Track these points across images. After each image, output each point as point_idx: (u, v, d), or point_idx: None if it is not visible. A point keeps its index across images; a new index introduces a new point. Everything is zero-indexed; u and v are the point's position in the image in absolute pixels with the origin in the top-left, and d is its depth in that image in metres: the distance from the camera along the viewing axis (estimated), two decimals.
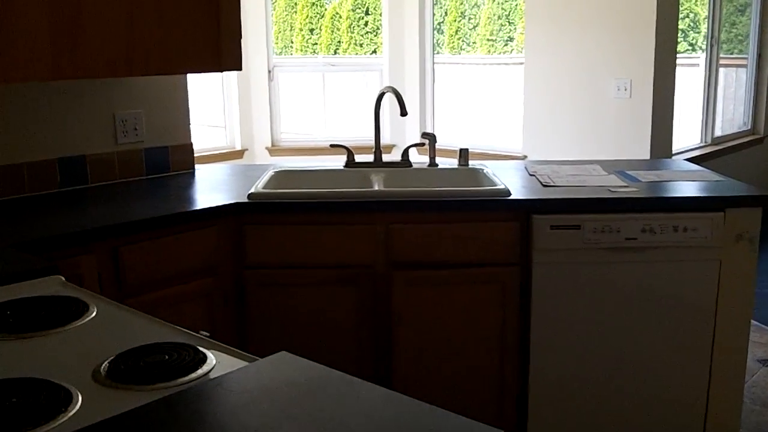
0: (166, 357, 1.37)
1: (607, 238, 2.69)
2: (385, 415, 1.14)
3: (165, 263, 2.49)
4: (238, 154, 6.19)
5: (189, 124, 3.26)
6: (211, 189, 2.96)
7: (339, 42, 16.51)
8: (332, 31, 16.71)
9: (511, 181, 2.97)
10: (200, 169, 3.31)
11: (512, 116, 5.86)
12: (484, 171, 3.11)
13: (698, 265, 2.74)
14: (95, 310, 1.63)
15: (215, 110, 6.42)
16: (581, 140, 5.41)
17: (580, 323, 2.77)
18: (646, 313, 2.77)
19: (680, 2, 5.40)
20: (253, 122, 6.28)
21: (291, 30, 17.04)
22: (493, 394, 2.82)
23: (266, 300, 2.72)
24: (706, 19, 6.37)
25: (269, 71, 6.22)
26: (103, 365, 1.34)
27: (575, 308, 2.76)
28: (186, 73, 3.14)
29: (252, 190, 2.74)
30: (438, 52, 16.15)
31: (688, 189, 2.90)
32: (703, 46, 6.49)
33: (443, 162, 3.28)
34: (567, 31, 5.35)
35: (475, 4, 14.98)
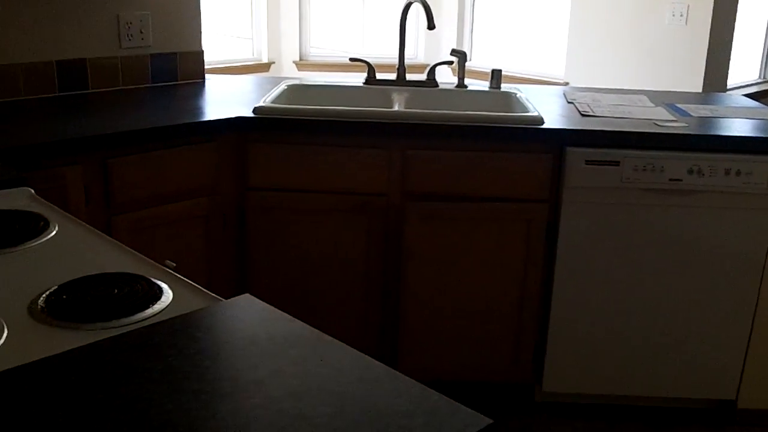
0: (116, 291, 1.16)
1: (649, 178, 2.41)
2: (340, 388, 0.91)
3: (158, 179, 2.27)
4: (264, 67, 5.92)
5: (200, 29, 3.00)
6: (218, 101, 2.71)
7: None
8: None
9: (546, 108, 2.69)
10: (211, 80, 3.06)
11: (556, 40, 5.49)
12: (517, 95, 2.83)
13: (749, 214, 2.46)
14: (55, 229, 1.42)
15: (242, 20, 6.13)
16: (629, 69, 5.05)
17: (609, 270, 2.51)
18: (686, 264, 2.51)
19: None
20: (282, 34, 5.98)
21: None
22: (508, 340, 2.60)
23: (268, 225, 2.50)
24: None
25: None
26: (42, 297, 1.13)
27: (606, 253, 2.50)
28: None
29: (257, 104, 2.49)
30: None
31: (743, 128, 2.59)
32: None
33: (475, 84, 2.99)
34: None
35: None
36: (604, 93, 3.03)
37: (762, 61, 5.97)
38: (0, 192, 1.59)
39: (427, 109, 2.73)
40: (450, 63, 2.93)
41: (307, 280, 2.56)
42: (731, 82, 5.37)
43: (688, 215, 2.47)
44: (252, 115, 2.43)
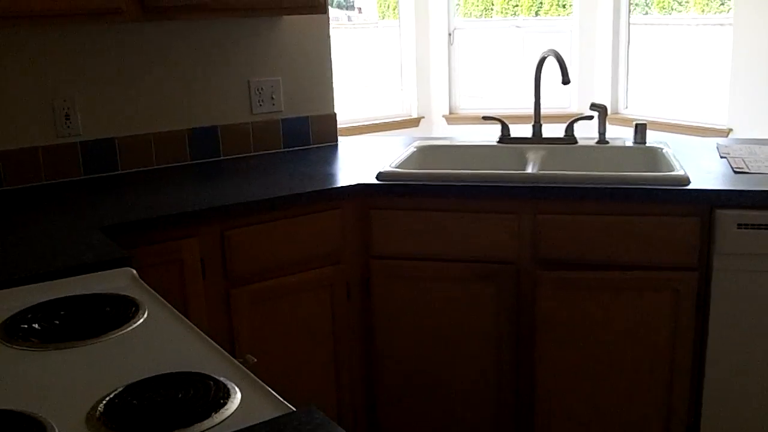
0: (181, 394, 1.10)
1: None
2: None
3: (279, 249, 2.24)
4: (414, 122, 5.92)
5: (332, 92, 3.00)
6: (348, 166, 2.68)
7: (541, 3, 15.82)
8: None
9: (695, 164, 2.47)
10: (344, 142, 3.04)
11: (718, 84, 5.16)
12: (663, 151, 2.62)
13: None
14: (143, 317, 1.40)
15: (392, 76, 6.17)
16: None
17: None
18: None
19: None
20: (431, 89, 5.97)
21: None
22: (658, 423, 2.36)
23: (393, 294, 2.42)
24: None
25: (449, 34, 5.88)
26: (104, 402, 1.09)
27: (764, 326, 2.23)
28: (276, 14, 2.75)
29: (382, 169, 2.42)
30: (646, 13, 15.12)
31: None
32: None
33: (619, 139, 2.81)
34: None
35: None
36: (763, 145, 2.76)
37: None
38: (102, 273, 1.59)
39: (561, 170, 2.59)
40: (590, 118, 2.76)
41: (435, 351, 2.44)
42: None
43: None
44: (375, 181, 2.36)
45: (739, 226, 2.17)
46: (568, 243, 2.29)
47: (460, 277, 2.37)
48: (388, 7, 6.99)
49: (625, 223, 2.25)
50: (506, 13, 16.42)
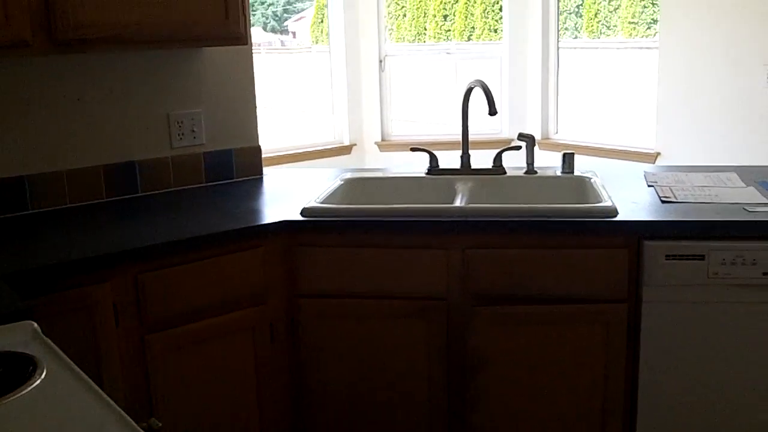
0: None
1: (739, 272, 2.14)
2: None
3: (198, 292, 2.15)
4: (346, 150, 5.87)
5: (256, 124, 2.92)
6: (272, 200, 2.60)
7: (473, 28, 16.00)
8: (466, 17, 16.22)
9: (623, 194, 2.45)
10: (270, 175, 2.95)
11: (647, 108, 5.23)
12: (591, 181, 2.60)
13: None
14: (40, 378, 1.29)
15: (324, 103, 6.12)
16: (724, 137, 4.74)
17: (699, 376, 2.23)
18: None
19: None
20: (363, 116, 5.93)
21: (425, 17, 16.67)
22: None
23: (322, 334, 2.34)
24: None
25: (380, 60, 5.85)
26: None
27: (694, 358, 2.22)
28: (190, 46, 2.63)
29: (307, 204, 2.35)
30: (576, 37, 15.43)
31: None
32: None
33: (547, 169, 2.78)
34: (709, 10, 4.68)
35: None
36: (689, 172, 2.77)
37: None
38: (3, 327, 1.48)
39: (490, 201, 2.56)
40: (517, 148, 2.73)
41: (367, 391, 2.37)
42: None
43: None
44: (300, 217, 2.29)
45: (668, 257, 2.15)
46: (499, 277, 2.24)
47: (390, 314, 2.30)
48: (322, 32, 6.89)
49: (555, 255, 2.21)
50: (439, 38, 16.58)
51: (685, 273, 2.15)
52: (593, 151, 5.46)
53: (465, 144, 2.75)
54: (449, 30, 16.09)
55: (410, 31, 16.55)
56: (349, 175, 2.77)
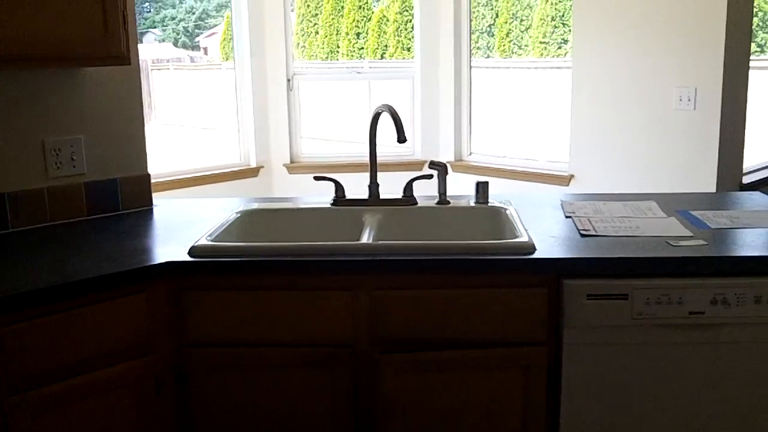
0: None
1: (665, 312, 2.00)
2: None
3: (71, 345, 1.88)
4: (253, 172, 5.62)
5: (145, 150, 2.66)
6: (160, 236, 2.35)
7: (386, 46, 15.96)
8: (379, 35, 16.15)
9: (540, 226, 2.30)
10: (161, 206, 2.70)
11: (561, 130, 5.15)
12: (507, 212, 2.44)
13: None
14: None
15: (229, 124, 5.86)
16: (636, 158, 4.69)
17: (624, 421, 2.08)
18: (718, 411, 2.07)
19: None
20: (270, 137, 5.70)
21: (337, 34, 16.54)
22: None
23: (214, 386, 2.10)
24: None
25: (288, 79, 5.63)
26: None
27: (619, 402, 2.07)
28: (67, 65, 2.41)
29: (196, 242, 2.12)
30: (488, 56, 15.47)
31: None
32: None
33: (460, 198, 2.62)
34: (621, 32, 4.64)
35: (528, 5, 14.26)
36: (608, 201, 2.64)
37: None
38: None
39: (401, 235, 2.38)
40: (429, 177, 2.56)
41: None
42: (747, 164, 5.01)
43: (713, 353, 2.04)
44: (188, 257, 2.05)
45: (589, 296, 2.00)
46: (410, 321, 2.05)
47: (290, 363, 2.08)
48: (232, 49, 6.69)
49: (469, 296, 2.04)
50: (352, 55, 16.43)
51: (607, 313, 2.00)
52: (507, 173, 5.36)
53: (373, 172, 2.56)
54: (362, 48, 16.02)
55: (323, 48, 16.41)
56: (246, 207, 2.54)
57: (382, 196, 2.55)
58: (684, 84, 4.46)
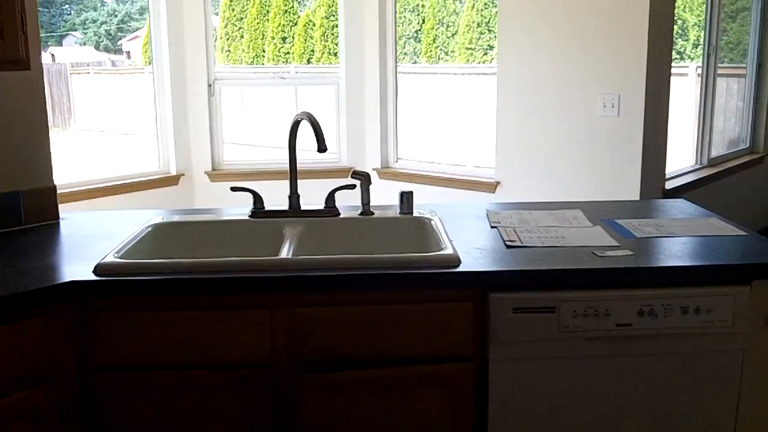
0: None
1: (592, 324, 1.96)
2: None
3: None
4: (173, 180, 5.46)
5: (50, 160, 2.51)
6: (66, 253, 2.21)
7: (312, 51, 15.83)
8: (305, 40, 16.02)
9: (465, 237, 2.24)
10: (69, 219, 2.55)
11: (487, 137, 5.13)
12: (432, 223, 2.38)
13: (714, 357, 2.02)
14: None
15: (150, 131, 5.68)
16: (562, 165, 4.70)
17: None
18: (647, 423, 2.04)
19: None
20: (191, 143, 5.54)
21: (263, 38, 16.34)
22: None
23: (125, 412, 1.97)
24: (696, 26, 5.68)
25: (209, 84, 5.48)
26: None
27: (547, 418, 2.02)
28: None
29: (102, 260, 1.98)
30: (415, 61, 15.50)
31: (697, 251, 2.17)
32: (692, 55, 5.80)
33: (384, 209, 2.54)
34: (545, 38, 4.64)
35: (454, 11, 14.33)
36: (534, 210, 2.60)
37: (696, 147, 5.69)
38: None
39: (322, 248, 2.29)
40: (351, 187, 2.47)
41: None
42: (669, 169, 5.07)
43: (642, 365, 2.01)
44: (92, 276, 1.92)
45: (516, 310, 1.94)
46: (331, 339, 1.96)
47: (206, 387, 1.97)
48: (152, 53, 6.48)
49: (392, 312, 1.96)
50: (278, 60, 16.24)
51: (534, 327, 1.95)
52: (434, 180, 5.32)
53: (293, 182, 2.47)
54: (288, 52, 15.84)
55: (248, 53, 16.17)
56: (158, 221, 2.41)
57: (303, 207, 2.46)
58: (608, 90, 4.48)
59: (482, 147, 5.37)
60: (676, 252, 2.14)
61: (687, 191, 5.05)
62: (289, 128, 2.42)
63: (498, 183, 4.99)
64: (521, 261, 2.04)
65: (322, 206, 2.46)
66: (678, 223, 2.43)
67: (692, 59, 8.39)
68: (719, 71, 5.83)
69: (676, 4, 4.87)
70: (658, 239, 2.24)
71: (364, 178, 2.46)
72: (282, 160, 5.59)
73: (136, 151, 5.87)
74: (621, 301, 1.95)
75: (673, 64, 4.78)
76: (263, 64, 16.29)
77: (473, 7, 13.63)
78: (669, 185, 4.90)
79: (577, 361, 1.99)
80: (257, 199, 2.45)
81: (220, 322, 1.94)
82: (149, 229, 2.32)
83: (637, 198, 4.45)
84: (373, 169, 5.59)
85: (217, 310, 1.94)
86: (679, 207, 2.71)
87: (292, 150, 2.44)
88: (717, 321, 1.98)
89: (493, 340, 1.96)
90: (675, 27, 8.79)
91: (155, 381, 1.96)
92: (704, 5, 5.62)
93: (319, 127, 2.29)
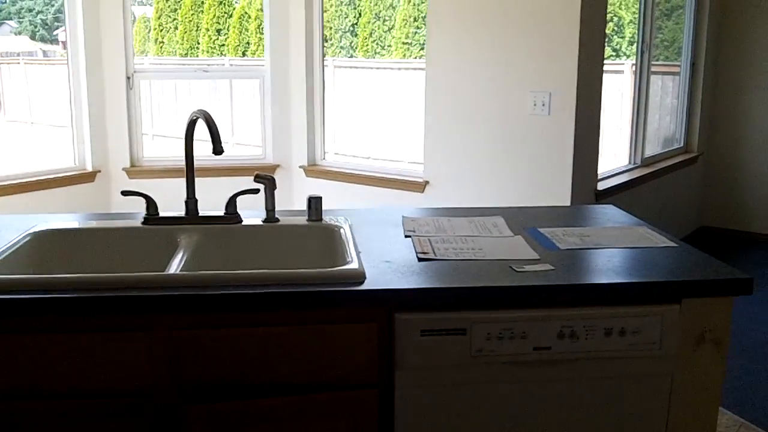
0: None
1: (508, 348, 1.79)
2: None
3: None
4: (89, 177, 5.17)
5: None
6: None
7: (248, 44, 15.50)
8: (240, 32, 15.70)
9: (376, 248, 2.06)
10: None
11: (421, 134, 4.96)
12: (341, 232, 2.18)
13: (641, 382, 1.87)
14: None
15: (63, 124, 5.38)
16: (493, 164, 4.56)
17: None
18: None
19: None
20: (108, 138, 5.25)
21: (197, 30, 15.96)
22: None
23: None
24: (632, 23, 5.61)
25: (128, 78, 5.20)
26: None
27: None
28: None
29: None
30: (351, 56, 15.28)
31: (623, 265, 2.01)
32: (628, 52, 5.73)
33: (291, 216, 2.34)
34: (476, 34, 4.49)
35: (391, 5, 14.17)
36: (453, 217, 2.43)
37: (630, 146, 5.61)
38: None
39: (215, 266, 2.08)
40: (255, 191, 2.26)
41: None
42: (603, 169, 4.98)
43: (563, 391, 1.85)
44: None
45: (423, 332, 1.76)
46: (219, 364, 1.75)
47: (85, 417, 1.74)
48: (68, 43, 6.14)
49: (288, 334, 1.76)
50: (212, 53, 15.85)
51: (444, 351, 1.77)
52: (362, 179, 5.13)
53: (190, 186, 2.25)
54: (223, 45, 15.49)
55: (182, 44, 15.77)
56: (40, 227, 2.17)
57: (201, 214, 2.25)
58: (539, 88, 4.36)
59: (415, 145, 5.20)
60: (600, 267, 1.98)
61: (620, 192, 4.96)
62: (185, 127, 2.20)
63: (427, 182, 4.83)
64: (432, 276, 1.86)
65: (222, 213, 2.25)
66: (605, 233, 2.29)
67: (628, 56, 8.36)
68: (654, 69, 5.77)
69: (612, 2, 4.76)
70: (582, 251, 2.09)
71: (268, 182, 2.26)
72: (205, 156, 5.38)
73: (63, 145, 5.56)
74: (539, 322, 1.79)
75: (609, 62, 4.69)
76: (198, 56, 15.91)
77: (410, 1, 13.50)
78: (602, 186, 4.80)
79: (492, 387, 1.82)
80: (150, 204, 2.22)
81: (95, 346, 1.72)
82: (28, 237, 2.08)
83: (569, 198, 4.34)
84: (300, 167, 5.38)
85: (95, 333, 1.71)
86: (608, 214, 2.57)
87: (188, 150, 2.23)
88: (644, 343, 1.83)
89: (400, 365, 1.78)
90: (611, 24, 8.77)
91: (22, 412, 1.73)
92: (638, 3, 5.53)
93: (215, 127, 2.08)
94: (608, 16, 4.67)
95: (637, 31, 5.58)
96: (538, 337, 1.79)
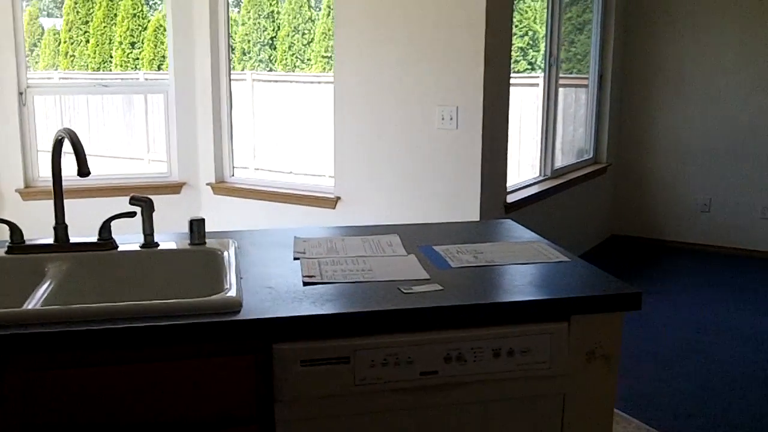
0: None
1: (393, 375, 1.70)
2: None
3: None
4: None
5: None
6: None
7: (164, 57, 15.18)
8: (155, 45, 15.38)
9: (261, 272, 1.95)
10: None
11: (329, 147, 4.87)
12: (224, 256, 2.06)
13: (533, 403, 1.81)
14: None
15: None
16: (402, 178, 4.49)
17: None
18: None
19: (519, 19, 4.59)
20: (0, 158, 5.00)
21: (110, 43, 15.57)
22: None
23: None
24: (545, 38, 5.64)
25: (21, 93, 4.97)
26: None
27: None
28: None
29: None
30: (271, 69, 15.10)
31: (514, 282, 1.95)
32: (542, 66, 5.76)
33: (170, 241, 2.21)
34: (382, 48, 4.43)
35: (310, 18, 14.07)
36: (347, 236, 2.34)
37: (540, 157, 5.63)
38: None
39: (88, 296, 1.94)
40: (131, 215, 2.13)
41: None
42: (513, 182, 4.97)
43: (451, 417, 1.77)
44: None
45: (304, 363, 1.66)
46: (76, 408, 1.61)
47: None
48: None
49: (157, 371, 1.63)
50: (127, 66, 15.47)
51: (326, 381, 1.67)
52: (272, 196, 5.01)
53: (59, 210, 2.11)
54: (138, 58, 15.14)
55: (94, 58, 15.35)
56: None
57: (73, 240, 2.10)
58: (446, 102, 4.32)
59: (328, 160, 5.11)
60: (490, 285, 1.91)
61: (530, 204, 4.96)
62: (51, 147, 2.05)
63: (339, 198, 4.73)
64: (315, 302, 1.76)
65: (95, 239, 2.11)
66: (500, 249, 2.22)
67: (543, 70, 8.45)
68: (567, 82, 5.80)
69: (527, 16, 4.77)
70: (473, 269, 2.01)
71: (146, 204, 2.12)
72: (114, 174, 5.16)
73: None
74: (425, 345, 1.71)
75: (524, 75, 4.68)
76: (110, 70, 15.52)
77: (329, 14, 13.43)
78: (511, 198, 4.79)
79: (378, 416, 1.73)
80: (14, 231, 2.07)
81: None
82: None
83: (478, 212, 4.30)
84: (207, 184, 5.22)
85: None
86: (505, 229, 2.51)
87: (56, 171, 2.09)
88: (533, 363, 1.77)
89: (279, 398, 1.67)
90: (526, 38, 8.84)
91: None
92: (545, 18, 5.57)
93: (80, 147, 1.94)
94: (524, 31, 4.67)
95: (544, 46, 5.60)
96: (424, 361, 1.70)
